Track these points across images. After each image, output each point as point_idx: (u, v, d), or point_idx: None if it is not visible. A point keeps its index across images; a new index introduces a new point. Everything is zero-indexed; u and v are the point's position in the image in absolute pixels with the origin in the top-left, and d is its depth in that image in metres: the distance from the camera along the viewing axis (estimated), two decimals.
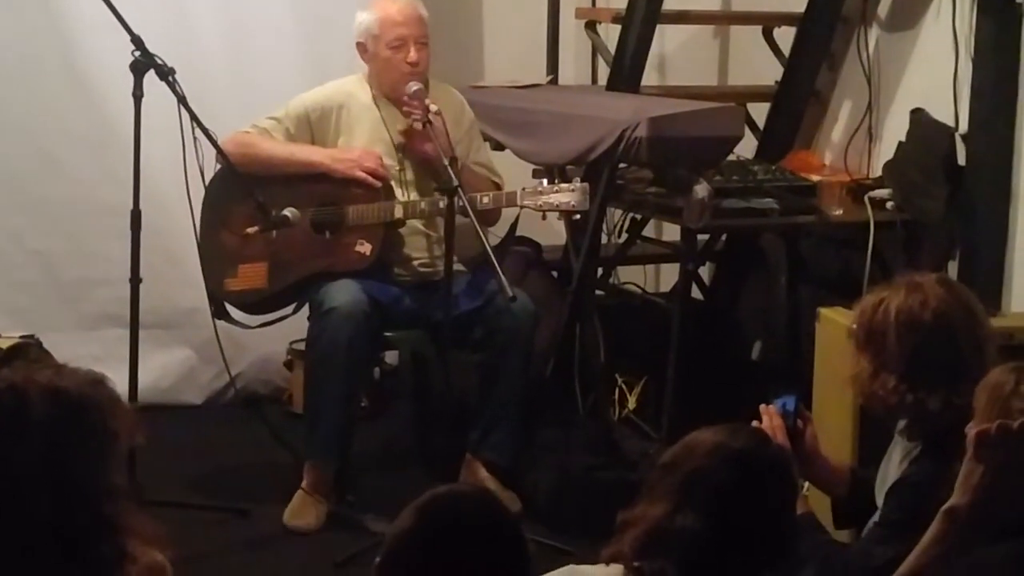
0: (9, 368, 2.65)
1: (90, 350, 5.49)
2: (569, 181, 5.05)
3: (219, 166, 4.97)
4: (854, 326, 3.46)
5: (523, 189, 4.90)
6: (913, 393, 3.31)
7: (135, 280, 4.75)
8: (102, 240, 5.77)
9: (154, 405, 5.63)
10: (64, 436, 2.52)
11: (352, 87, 5.21)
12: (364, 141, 5.11)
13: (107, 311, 5.83)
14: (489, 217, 5.04)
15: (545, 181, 4.93)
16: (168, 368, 6.07)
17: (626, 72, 5.88)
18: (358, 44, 5.16)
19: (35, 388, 2.53)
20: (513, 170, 5.65)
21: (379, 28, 5.10)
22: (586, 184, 4.85)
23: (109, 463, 2.57)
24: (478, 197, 4.87)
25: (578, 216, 5.40)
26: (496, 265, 4.56)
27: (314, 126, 5.15)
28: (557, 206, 4.82)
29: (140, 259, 4.75)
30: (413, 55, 5.06)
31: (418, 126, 4.94)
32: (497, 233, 5.75)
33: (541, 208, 4.83)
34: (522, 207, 4.98)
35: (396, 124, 5.13)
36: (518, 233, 6.07)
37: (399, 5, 5.15)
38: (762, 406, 3.54)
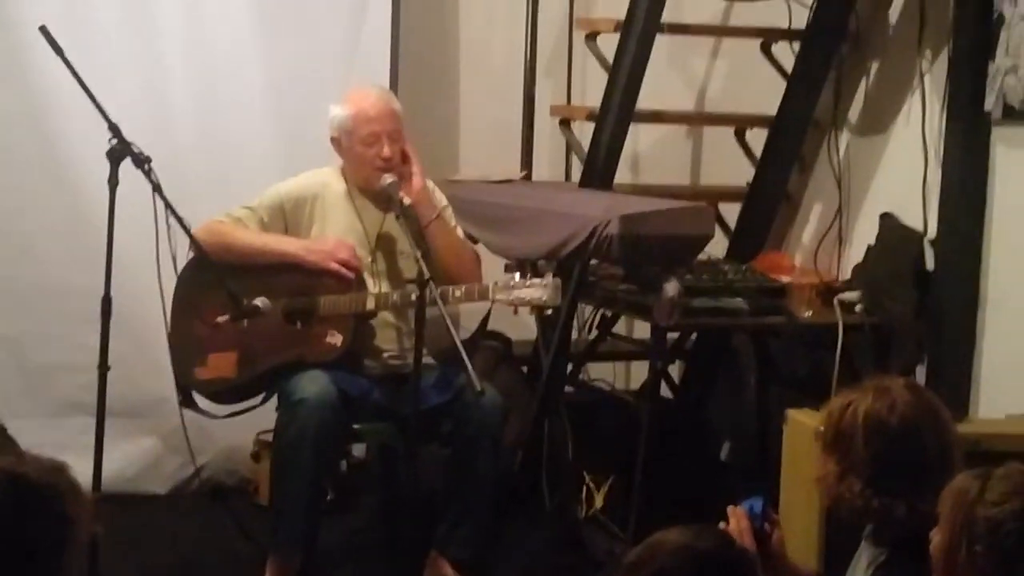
0: None
1: (55, 437, 5.43)
2: (541, 276, 5.06)
3: (191, 254, 4.97)
4: (822, 428, 3.46)
5: (495, 283, 4.90)
6: (879, 498, 3.31)
7: (103, 367, 4.73)
8: (71, 326, 5.74)
9: (118, 494, 5.59)
10: (23, 523, 2.50)
11: (327, 178, 5.22)
12: (337, 231, 5.12)
13: (73, 398, 5.79)
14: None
15: (517, 275, 4.93)
16: (133, 457, 6.03)
17: (599, 169, 5.92)
18: (332, 139, 5.17)
19: None
20: (485, 264, 5.66)
21: (352, 123, 5.12)
22: (558, 279, 4.84)
23: (68, 551, 2.55)
24: (451, 291, 4.88)
25: (549, 311, 5.40)
26: (466, 359, 4.55)
27: (288, 216, 5.16)
28: (529, 301, 4.82)
29: (109, 346, 4.74)
30: (386, 151, 5.08)
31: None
32: (468, 327, 5.76)
33: (513, 303, 4.83)
34: (494, 301, 4.98)
35: (370, 216, 5.15)
36: (489, 327, 6.08)
37: (372, 100, 5.17)
38: (730, 507, 3.53)
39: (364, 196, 5.17)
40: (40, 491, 2.53)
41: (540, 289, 4.79)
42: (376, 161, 5.08)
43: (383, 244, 5.14)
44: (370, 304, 5.00)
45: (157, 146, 4.87)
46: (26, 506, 2.51)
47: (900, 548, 3.32)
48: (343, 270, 5.01)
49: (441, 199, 5.32)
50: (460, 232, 5.36)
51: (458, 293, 4.92)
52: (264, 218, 5.14)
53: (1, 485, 2.51)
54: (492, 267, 5.74)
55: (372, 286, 5.06)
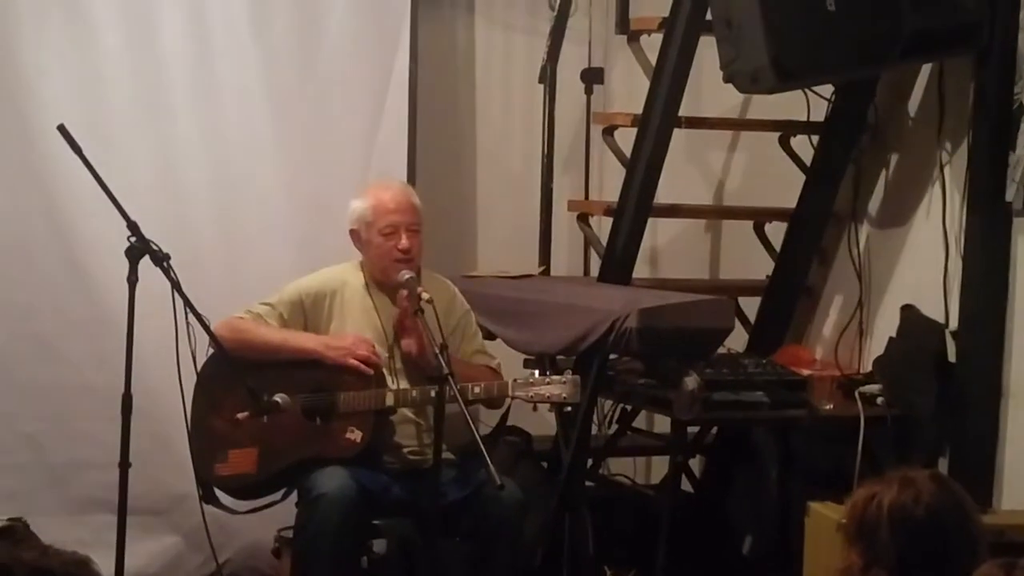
0: None
1: (77, 535, 5.42)
2: (560, 371, 5.05)
3: (211, 351, 4.98)
4: (844, 520, 3.44)
5: (514, 380, 4.90)
6: None
7: (124, 465, 4.72)
8: (92, 423, 5.74)
9: None
10: None
11: (346, 274, 5.24)
12: (356, 328, 5.13)
13: (95, 495, 5.77)
14: (495, 401, 5.03)
15: (536, 372, 4.95)
16: (155, 554, 6.00)
17: (617, 264, 5.93)
18: (351, 231, 5.20)
19: (20, 567, 2.51)
20: (504, 359, 5.66)
21: (372, 215, 5.15)
22: (577, 377, 4.85)
23: None
24: (470, 387, 4.87)
25: (569, 408, 5.40)
26: (485, 454, 4.54)
27: (307, 312, 5.17)
28: (548, 398, 4.83)
29: (130, 444, 4.73)
30: (404, 242, 5.10)
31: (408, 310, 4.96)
32: (487, 423, 5.75)
33: (532, 399, 4.84)
34: (513, 398, 4.98)
35: (388, 312, 5.15)
36: (509, 423, 6.07)
37: (392, 192, 5.20)
38: None
39: (382, 292, 5.17)
40: None
41: (559, 386, 4.80)
42: (394, 252, 5.10)
43: (401, 341, 5.14)
44: (389, 400, 5.00)
45: (175, 242, 4.89)
46: None
47: None
48: (362, 366, 5.01)
49: (463, 304, 5.33)
50: (480, 340, 5.35)
51: (477, 390, 4.91)
52: (284, 314, 5.14)
53: None
54: (511, 362, 5.73)
55: (391, 383, 5.06)
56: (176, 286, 4.67)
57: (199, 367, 4.91)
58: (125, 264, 4.70)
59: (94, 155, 4.73)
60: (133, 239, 4.70)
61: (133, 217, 4.71)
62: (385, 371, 5.07)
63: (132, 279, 4.69)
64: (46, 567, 2.53)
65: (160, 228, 4.98)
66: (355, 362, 5.01)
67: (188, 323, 4.69)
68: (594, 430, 5.95)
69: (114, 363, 4.86)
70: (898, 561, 3.31)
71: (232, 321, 5.12)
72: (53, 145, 5.10)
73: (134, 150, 5.97)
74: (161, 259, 4.68)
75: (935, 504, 3.33)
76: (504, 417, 6.01)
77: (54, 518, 5.69)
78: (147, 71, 6.01)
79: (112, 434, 4.80)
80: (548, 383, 4.82)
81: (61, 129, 4.69)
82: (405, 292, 5.00)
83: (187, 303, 4.67)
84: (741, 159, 6.69)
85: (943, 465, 5.27)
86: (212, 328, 4.81)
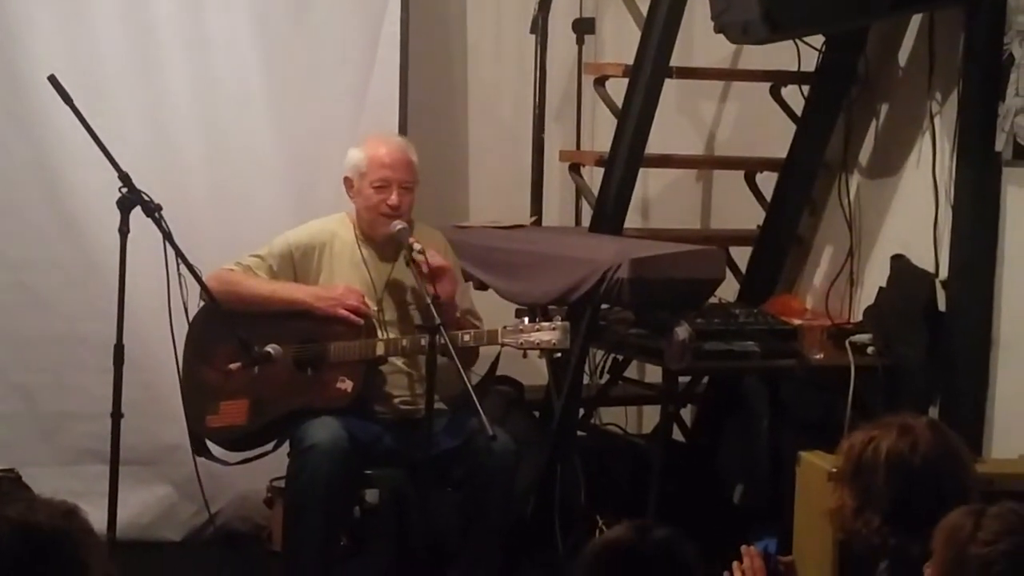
0: None
1: (70, 485, 5.45)
2: (550, 319, 5.07)
3: (202, 302, 4.98)
4: (841, 460, 3.46)
5: (504, 327, 4.91)
6: (896, 536, 3.31)
7: (116, 415, 4.74)
8: (84, 374, 5.76)
9: (133, 541, 5.61)
10: (37, 569, 2.50)
11: (336, 226, 5.24)
12: (345, 279, 5.13)
13: (87, 446, 5.80)
14: (468, 356, 5.05)
15: (526, 319, 4.94)
16: (148, 504, 6.03)
17: (609, 214, 5.93)
18: (345, 179, 5.20)
19: (5, 522, 2.52)
20: (496, 309, 5.67)
21: (366, 166, 5.15)
22: (567, 323, 4.86)
23: None
24: (459, 335, 4.88)
25: (559, 355, 5.41)
26: (477, 404, 4.56)
27: (297, 264, 5.17)
28: (538, 344, 4.84)
29: (122, 394, 4.74)
30: (394, 199, 5.10)
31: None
32: (478, 372, 5.75)
33: (522, 346, 4.85)
34: (503, 345, 4.99)
35: (376, 265, 5.16)
36: (499, 372, 6.08)
37: (389, 147, 5.20)
38: (744, 547, 3.53)
39: (371, 245, 5.18)
40: (53, 536, 2.53)
41: (549, 332, 4.81)
42: (382, 207, 5.10)
43: (390, 293, 5.15)
44: (380, 350, 5.01)
45: (166, 193, 4.89)
46: (40, 552, 2.51)
47: None
48: (352, 316, 5.02)
49: (456, 261, 5.34)
50: (469, 300, 5.35)
51: (467, 338, 4.93)
52: (274, 266, 5.15)
53: (14, 534, 2.51)
54: (503, 312, 5.74)
55: (381, 333, 5.07)
56: (168, 237, 4.68)
57: (190, 318, 4.92)
58: (117, 215, 4.70)
59: (85, 106, 4.73)
60: (124, 190, 4.70)
61: (124, 168, 4.71)
62: (375, 321, 5.08)
63: (124, 230, 4.70)
64: (32, 522, 2.54)
65: (152, 179, 4.98)
66: (345, 312, 5.02)
67: (180, 274, 4.70)
68: (585, 380, 5.97)
69: (106, 314, 4.88)
70: (891, 506, 3.34)
71: (221, 273, 5.12)
72: (44, 96, 5.10)
73: (125, 101, 5.96)
74: (153, 210, 4.69)
75: (932, 454, 3.35)
76: (494, 366, 6.02)
77: (46, 469, 5.72)
78: (138, 22, 5.99)
79: (104, 385, 4.82)
80: (538, 330, 4.83)
81: (52, 79, 4.68)
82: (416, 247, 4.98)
83: (179, 254, 4.68)
84: (732, 109, 6.68)
85: (933, 414, 5.28)
86: (203, 279, 4.81)
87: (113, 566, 2.68)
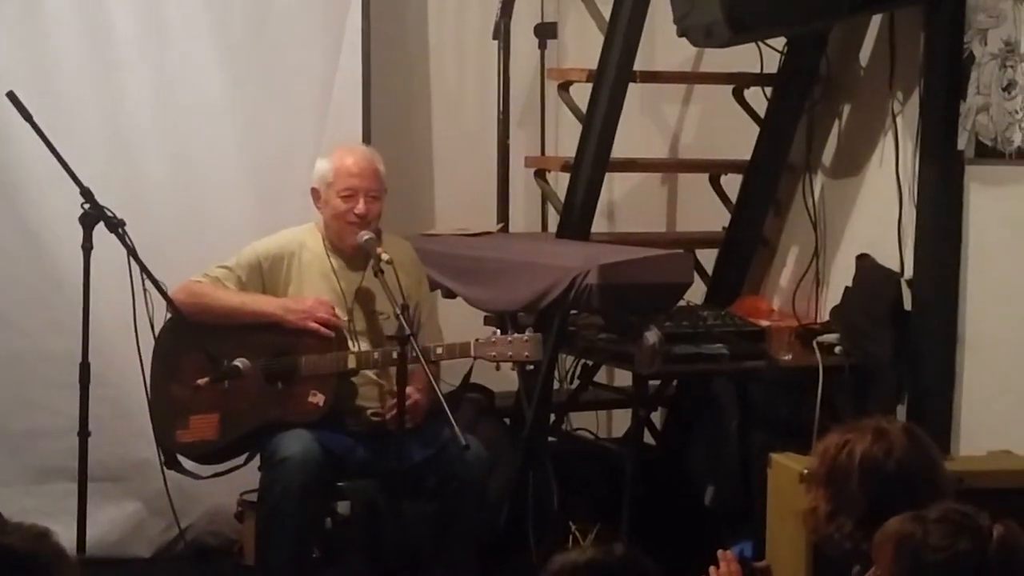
0: None
1: (37, 503, 5.44)
2: (521, 328, 5.06)
3: (169, 316, 4.96)
4: (815, 464, 3.45)
5: (476, 340, 4.91)
6: (869, 541, 3.30)
7: (83, 433, 4.72)
8: (50, 392, 5.71)
9: (102, 559, 5.57)
10: None
11: (305, 236, 5.22)
12: (314, 291, 5.12)
13: (55, 464, 5.75)
14: (435, 367, 5.04)
15: (498, 331, 4.95)
16: (117, 522, 5.98)
17: (576, 219, 5.93)
18: (313, 190, 5.19)
19: None
20: (464, 317, 5.66)
21: (333, 176, 5.14)
22: (538, 335, 4.86)
23: None
24: (432, 348, 4.88)
25: (531, 366, 5.41)
26: (449, 413, 4.55)
27: (265, 275, 5.15)
28: (511, 357, 4.85)
29: (89, 411, 4.72)
30: (361, 207, 5.09)
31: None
32: (450, 381, 5.75)
33: (495, 359, 4.87)
34: (476, 359, 5.00)
35: (346, 275, 5.15)
36: (471, 380, 6.07)
37: (356, 157, 5.20)
38: (720, 551, 3.53)
39: (340, 255, 5.17)
40: (25, 560, 2.52)
41: (521, 344, 4.82)
42: (350, 215, 5.09)
43: (360, 303, 5.14)
44: (351, 363, 5.00)
45: (130, 207, 4.89)
46: (13, 575, 2.49)
47: None
48: (323, 329, 5.00)
49: (423, 273, 5.33)
50: (434, 323, 5.33)
51: (439, 350, 4.92)
52: (242, 277, 5.13)
53: None
54: (472, 320, 5.74)
55: (352, 345, 5.06)
56: (132, 252, 4.67)
57: (157, 333, 4.90)
58: (80, 231, 4.68)
59: (45, 122, 4.72)
60: (87, 206, 4.69)
61: (86, 183, 4.69)
62: (346, 333, 5.07)
63: (87, 246, 4.69)
64: (5, 544, 2.52)
65: (115, 194, 4.98)
66: (315, 325, 5.00)
67: (145, 289, 4.69)
68: (556, 385, 5.96)
69: (71, 331, 4.86)
70: (865, 511, 3.33)
71: (189, 285, 5.10)
72: (3, 112, 5.07)
73: (86, 116, 5.93)
74: (116, 225, 4.68)
75: (906, 459, 3.34)
76: (467, 375, 6.02)
77: (13, 488, 5.70)
78: (97, 35, 5.96)
79: (71, 402, 4.80)
80: (510, 342, 4.83)
81: (11, 96, 4.67)
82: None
83: (143, 269, 4.66)
84: (695, 112, 6.70)
85: (901, 413, 5.31)
86: (169, 293, 4.80)
87: None
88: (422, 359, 4.63)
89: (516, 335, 4.87)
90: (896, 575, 2.75)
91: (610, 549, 2.78)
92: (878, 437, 3.37)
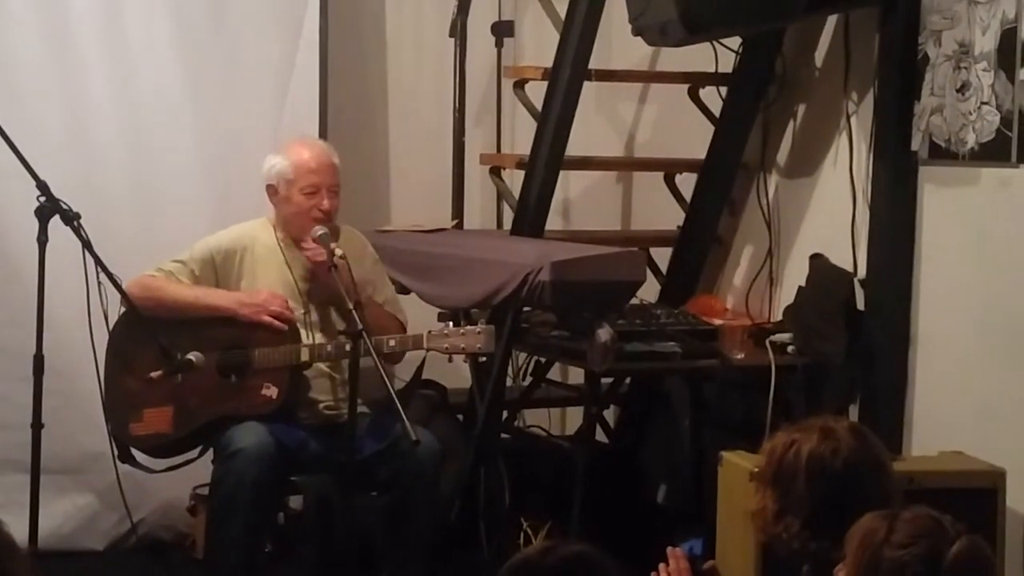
0: None
1: None
2: (474, 322, 5.07)
3: (123, 310, 4.96)
4: (763, 462, 3.46)
5: (429, 332, 4.92)
6: (817, 540, 3.31)
7: (37, 425, 4.70)
8: (3, 384, 5.68)
9: (55, 552, 5.55)
10: None
11: (257, 231, 5.22)
12: (268, 284, 5.11)
13: (7, 456, 5.72)
14: (392, 358, 5.05)
15: (451, 323, 4.95)
16: (69, 514, 5.97)
17: (530, 217, 5.94)
18: (268, 186, 5.17)
19: None
20: (418, 313, 5.66)
21: (293, 173, 5.12)
22: (491, 327, 4.87)
23: None
24: (384, 340, 4.88)
25: (483, 358, 5.42)
26: (400, 410, 4.55)
27: (218, 269, 5.15)
28: (463, 348, 4.85)
29: (42, 404, 4.71)
30: (327, 204, 5.09)
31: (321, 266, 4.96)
32: (402, 377, 5.75)
33: (447, 351, 4.86)
34: (428, 350, 5.00)
35: (300, 267, 5.15)
36: (424, 375, 6.08)
37: (314, 152, 5.18)
38: (669, 548, 3.55)
39: (294, 249, 5.16)
40: None
41: (474, 336, 4.82)
42: (315, 212, 5.08)
43: (315, 296, 5.14)
44: (304, 356, 5.00)
45: (86, 199, 4.87)
46: None
47: None
48: (276, 322, 5.00)
49: (372, 254, 5.33)
50: (390, 290, 5.35)
51: (392, 343, 4.93)
52: (196, 271, 5.12)
53: None
54: (426, 316, 5.74)
55: (305, 338, 5.06)
56: (87, 245, 4.65)
57: (111, 327, 4.89)
58: (35, 224, 4.67)
59: (1, 114, 4.69)
60: (43, 199, 4.67)
61: (42, 176, 4.68)
62: (300, 326, 5.07)
63: (42, 239, 4.67)
64: None
65: (70, 187, 4.96)
66: (269, 318, 5.00)
67: (100, 282, 4.68)
68: (509, 383, 5.98)
69: (25, 323, 4.84)
70: (812, 510, 3.34)
71: (143, 279, 5.09)
72: None
73: (43, 108, 5.91)
74: (71, 218, 4.66)
75: (853, 458, 3.35)
76: (419, 370, 6.02)
77: None
78: (55, 27, 5.94)
79: (24, 394, 4.79)
80: (463, 334, 4.84)
81: None
82: (312, 250, 4.98)
83: (98, 262, 4.65)
84: (651, 111, 6.72)
85: (853, 412, 5.34)
86: (124, 286, 4.79)
87: None
88: (374, 353, 4.63)
89: (469, 327, 4.88)
90: (857, 569, 2.77)
91: (569, 547, 2.79)
92: (825, 437, 3.38)
